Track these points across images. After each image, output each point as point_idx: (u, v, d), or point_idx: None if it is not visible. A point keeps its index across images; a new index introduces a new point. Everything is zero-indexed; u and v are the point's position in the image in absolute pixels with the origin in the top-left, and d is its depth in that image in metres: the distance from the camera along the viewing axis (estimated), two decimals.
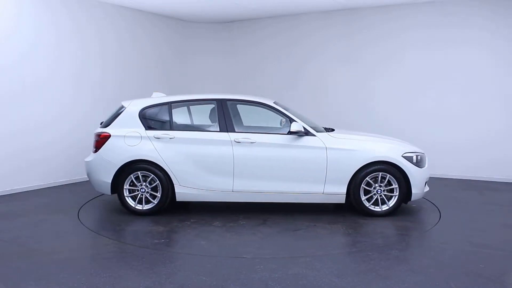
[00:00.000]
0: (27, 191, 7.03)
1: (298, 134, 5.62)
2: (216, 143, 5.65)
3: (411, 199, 5.70)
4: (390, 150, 5.68)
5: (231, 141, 5.64)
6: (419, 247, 4.70)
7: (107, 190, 5.80)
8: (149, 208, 5.75)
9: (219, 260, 4.20)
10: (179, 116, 6.07)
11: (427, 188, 5.94)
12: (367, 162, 5.57)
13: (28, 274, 3.88)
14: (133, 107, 5.94)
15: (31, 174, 7.15)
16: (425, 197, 6.51)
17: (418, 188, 5.69)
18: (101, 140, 5.85)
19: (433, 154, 8.05)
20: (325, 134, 5.76)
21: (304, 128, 5.66)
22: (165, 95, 6.32)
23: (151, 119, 5.93)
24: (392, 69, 8.57)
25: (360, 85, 8.87)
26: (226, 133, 5.70)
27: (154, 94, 6.29)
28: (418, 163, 5.70)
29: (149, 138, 5.74)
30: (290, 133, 5.62)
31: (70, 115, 7.70)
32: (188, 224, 5.44)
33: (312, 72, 9.32)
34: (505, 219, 5.61)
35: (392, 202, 5.66)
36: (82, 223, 5.42)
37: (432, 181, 7.80)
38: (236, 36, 10.21)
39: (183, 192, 5.71)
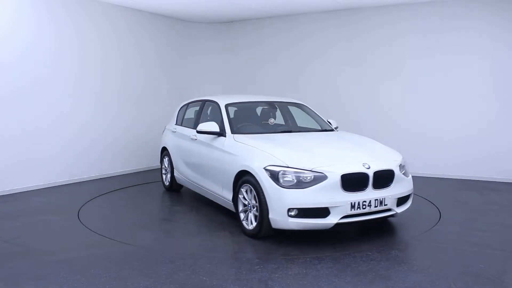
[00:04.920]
0: (27, 191, 7.03)
1: (209, 134, 5.51)
2: (185, 138, 6.45)
3: (272, 225, 4.46)
4: (255, 159, 4.65)
5: (190, 136, 6.24)
6: (419, 247, 4.69)
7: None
8: (167, 185, 7.11)
9: (219, 260, 4.20)
10: (189, 114, 6.92)
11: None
12: (239, 170, 4.84)
13: (28, 274, 3.88)
14: (179, 107, 7.29)
15: (31, 174, 7.14)
16: (425, 197, 6.52)
17: (276, 213, 4.37)
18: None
19: (434, 153, 8.07)
20: (232, 136, 5.30)
21: (221, 128, 5.45)
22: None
23: (180, 116, 7.10)
24: (393, 70, 8.54)
25: (362, 84, 8.84)
26: (193, 129, 6.21)
27: None
28: (296, 183, 4.35)
29: (170, 131, 7.05)
30: (197, 132, 5.64)
31: (71, 116, 7.68)
32: (188, 224, 5.44)
33: (313, 72, 9.30)
34: (505, 219, 5.59)
35: (256, 222, 4.64)
36: (82, 223, 5.41)
37: (432, 181, 7.83)
38: (236, 36, 10.20)
39: (177, 176, 6.75)
